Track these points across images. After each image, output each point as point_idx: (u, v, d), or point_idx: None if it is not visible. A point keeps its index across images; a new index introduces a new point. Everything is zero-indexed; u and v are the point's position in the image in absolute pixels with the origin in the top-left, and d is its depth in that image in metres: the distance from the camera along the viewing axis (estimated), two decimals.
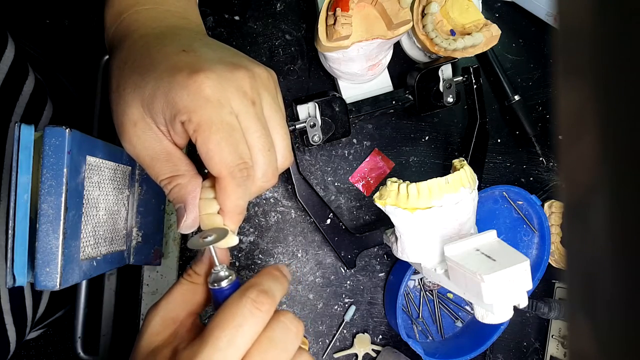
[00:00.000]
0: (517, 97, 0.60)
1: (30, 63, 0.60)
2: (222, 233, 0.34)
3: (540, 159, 0.62)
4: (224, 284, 0.33)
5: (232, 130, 0.31)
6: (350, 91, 0.57)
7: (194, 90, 0.31)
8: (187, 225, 0.35)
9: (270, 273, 0.34)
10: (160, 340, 0.33)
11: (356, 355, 0.60)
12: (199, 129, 0.31)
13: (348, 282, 0.60)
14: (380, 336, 0.61)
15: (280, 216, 0.58)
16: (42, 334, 0.78)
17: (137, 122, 0.33)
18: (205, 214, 0.35)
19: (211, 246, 0.33)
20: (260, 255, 0.58)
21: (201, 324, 0.35)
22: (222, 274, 0.34)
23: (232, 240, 0.35)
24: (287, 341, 0.32)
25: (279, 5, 0.58)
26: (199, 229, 0.35)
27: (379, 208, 0.47)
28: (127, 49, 0.35)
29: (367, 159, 0.60)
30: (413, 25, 0.54)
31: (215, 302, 0.34)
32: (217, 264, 0.34)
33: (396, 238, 0.48)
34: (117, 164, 0.48)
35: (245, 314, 0.30)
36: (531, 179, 0.64)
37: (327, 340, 0.59)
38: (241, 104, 0.32)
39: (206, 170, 0.35)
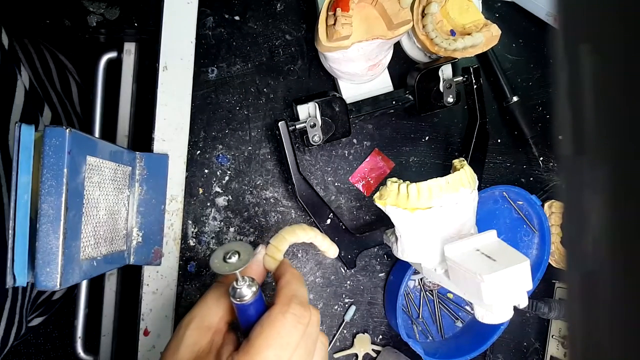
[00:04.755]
0: (515, 98, 0.60)
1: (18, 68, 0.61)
2: (247, 253, 0.33)
3: (540, 159, 0.62)
4: (247, 298, 0.33)
5: None
6: (351, 91, 0.57)
7: None
8: None
9: (297, 276, 0.36)
10: (199, 349, 0.33)
11: (356, 355, 0.60)
12: None
13: (348, 282, 0.60)
14: (381, 336, 0.61)
15: (280, 216, 0.58)
16: (42, 332, 0.78)
17: None
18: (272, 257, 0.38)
19: (237, 271, 0.33)
20: None
21: (233, 331, 0.35)
22: (245, 289, 0.33)
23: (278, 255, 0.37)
24: (314, 333, 0.34)
25: (279, 5, 0.58)
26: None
27: (379, 208, 0.47)
28: None
29: (367, 159, 0.60)
30: (413, 25, 0.54)
31: (240, 315, 0.33)
32: (240, 279, 0.33)
33: (396, 238, 0.48)
34: (117, 164, 0.48)
35: (291, 332, 0.32)
36: (531, 179, 0.64)
37: None
38: None
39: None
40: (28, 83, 0.61)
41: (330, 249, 0.40)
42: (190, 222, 0.56)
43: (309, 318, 0.33)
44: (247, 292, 0.33)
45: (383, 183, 0.56)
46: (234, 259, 0.33)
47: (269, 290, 0.57)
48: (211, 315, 0.34)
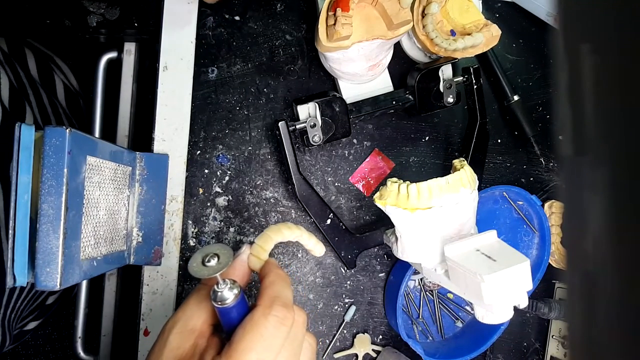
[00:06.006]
0: (516, 97, 0.61)
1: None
2: (226, 255, 0.33)
3: (540, 159, 0.62)
4: (229, 302, 0.32)
5: None
6: (351, 91, 0.57)
7: None
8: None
9: (281, 277, 0.35)
10: (182, 353, 0.33)
11: (356, 355, 0.60)
12: None
13: (348, 282, 0.60)
14: (381, 336, 0.61)
15: (280, 216, 0.58)
16: (41, 333, 0.78)
17: None
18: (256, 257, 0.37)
19: (217, 274, 0.32)
20: None
21: (217, 334, 0.35)
22: (226, 292, 0.32)
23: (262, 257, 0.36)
24: (299, 334, 0.34)
25: (279, 5, 0.58)
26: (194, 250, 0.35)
27: (379, 208, 0.47)
28: None
29: (367, 159, 0.60)
30: (413, 25, 0.54)
31: (223, 318, 0.33)
32: (220, 282, 0.32)
33: (396, 238, 0.48)
34: (117, 164, 0.48)
35: (274, 335, 0.31)
36: (531, 179, 0.64)
37: (327, 341, 0.59)
38: None
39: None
40: (7, 91, 0.60)
41: (316, 248, 0.39)
42: (190, 222, 0.56)
43: (293, 319, 0.33)
44: (229, 295, 0.32)
45: (383, 183, 0.56)
46: (213, 262, 0.32)
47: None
48: (194, 318, 0.34)
